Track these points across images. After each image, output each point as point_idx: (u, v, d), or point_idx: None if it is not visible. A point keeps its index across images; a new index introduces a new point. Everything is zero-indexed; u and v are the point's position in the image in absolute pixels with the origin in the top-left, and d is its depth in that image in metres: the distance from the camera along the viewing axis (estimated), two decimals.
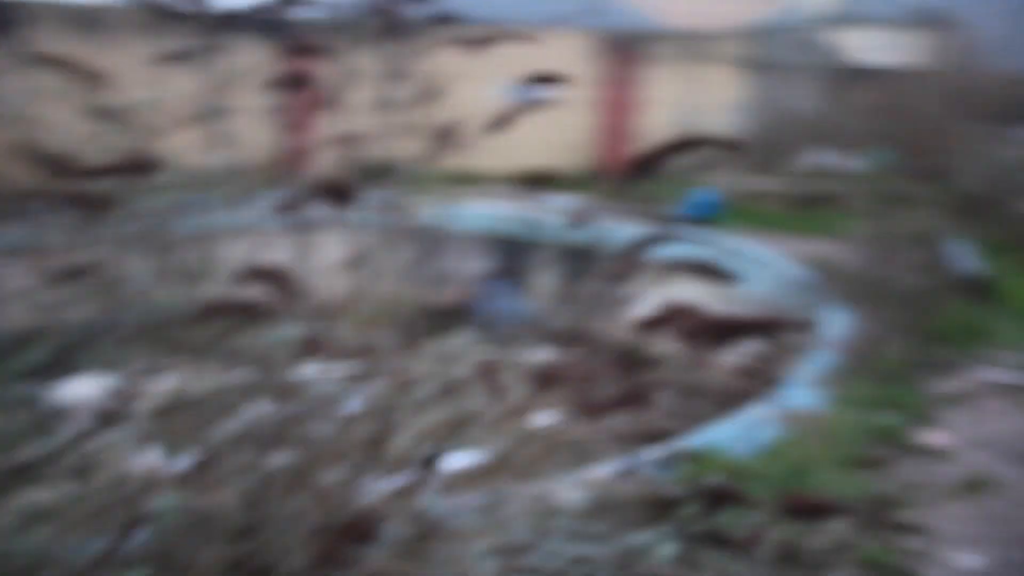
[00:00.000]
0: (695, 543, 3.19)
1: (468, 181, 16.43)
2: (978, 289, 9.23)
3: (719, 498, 2.95)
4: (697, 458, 4.85)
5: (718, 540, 3.18)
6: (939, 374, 6.95)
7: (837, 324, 7.90)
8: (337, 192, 2.98)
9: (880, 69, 18.61)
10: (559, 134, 17.18)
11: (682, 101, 17.08)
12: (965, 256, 9.66)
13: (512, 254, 14.50)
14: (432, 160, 3.40)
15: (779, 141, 16.55)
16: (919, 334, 7.62)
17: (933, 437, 5.78)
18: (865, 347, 7.29)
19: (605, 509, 3.71)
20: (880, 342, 7.45)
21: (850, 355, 6.98)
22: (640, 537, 3.32)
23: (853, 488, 4.81)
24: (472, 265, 14.66)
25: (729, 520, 3.06)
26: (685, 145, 2.77)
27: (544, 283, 14.16)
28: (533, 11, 26.51)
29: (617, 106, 16.95)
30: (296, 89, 3.48)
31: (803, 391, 6.17)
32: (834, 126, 16.94)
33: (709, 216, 12.93)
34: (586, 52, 16.95)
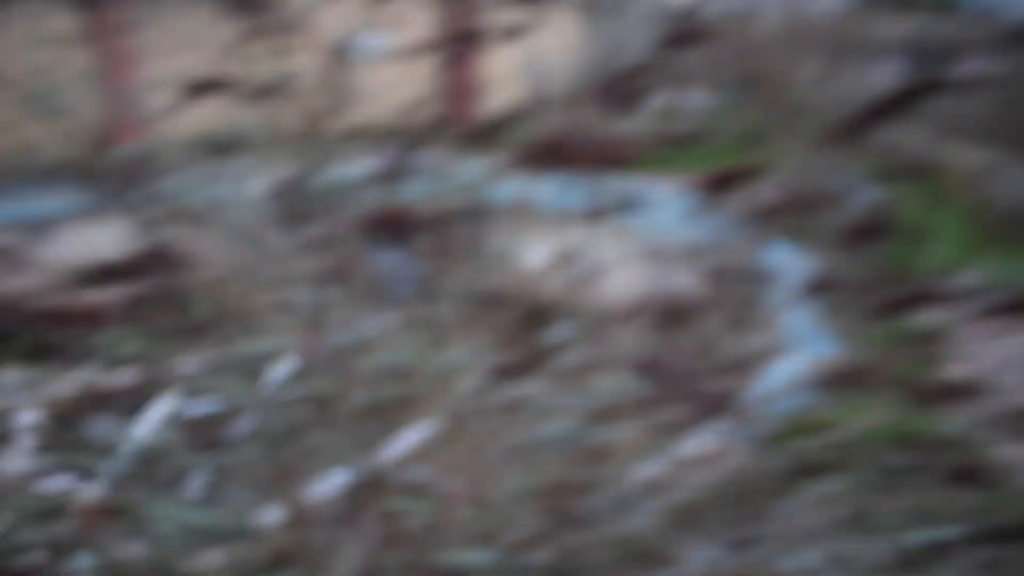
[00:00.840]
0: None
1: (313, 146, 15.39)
2: (881, 223, 9.51)
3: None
4: (793, 424, 4.56)
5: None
6: (910, 308, 7.03)
7: (792, 266, 7.86)
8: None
9: (713, 10, 19.01)
10: (402, 88, 16.39)
11: (524, 46, 16.69)
12: (858, 190, 9.94)
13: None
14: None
15: (623, 84, 16.56)
16: (865, 271, 7.69)
17: (957, 369, 5.80)
18: (829, 287, 7.27)
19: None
20: (837, 282, 7.46)
21: (828, 297, 6.92)
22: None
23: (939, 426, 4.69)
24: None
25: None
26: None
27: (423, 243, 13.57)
28: None
29: (459, 54, 16.31)
30: None
31: (820, 338, 6.03)
32: (675, 67, 17.17)
33: None
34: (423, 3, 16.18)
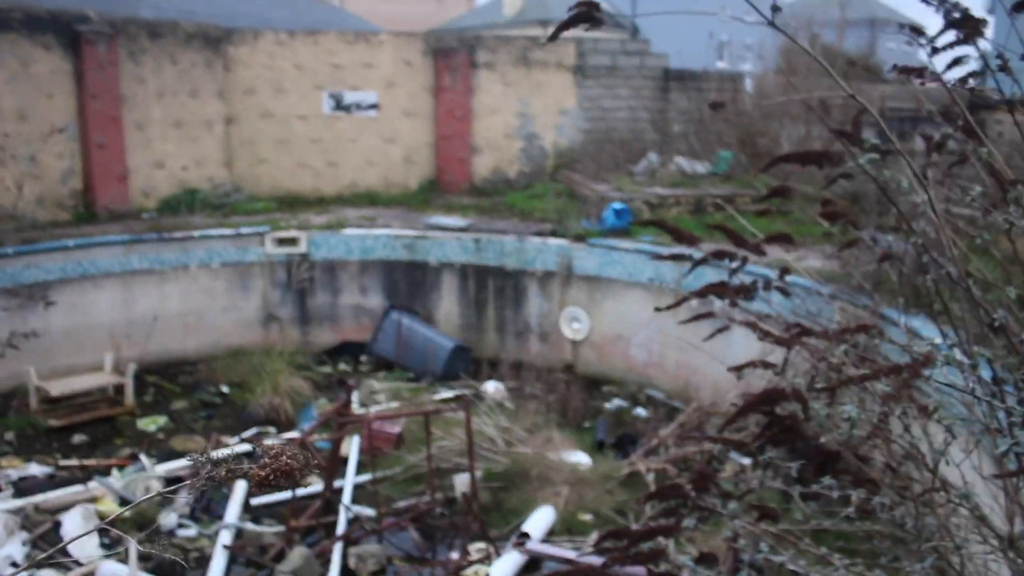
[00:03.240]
0: None
1: (303, 204, 15.03)
2: None
3: None
4: None
5: None
6: None
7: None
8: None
9: (697, 73, 18.84)
10: (391, 146, 16.07)
11: (517, 109, 16.44)
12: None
13: (403, 279, 13.38)
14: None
15: (618, 148, 16.26)
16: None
17: None
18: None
19: None
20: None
21: None
22: None
23: None
24: (365, 295, 13.47)
25: None
26: None
27: (447, 308, 13.16)
28: (248, 11, 25.14)
29: (452, 115, 16.05)
30: None
31: None
32: (670, 130, 16.88)
33: (623, 226, 12.30)
34: (413, 58, 15.96)
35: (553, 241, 12.59)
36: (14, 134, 12.37)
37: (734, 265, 3.69)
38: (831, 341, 2.91)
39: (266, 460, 1.50)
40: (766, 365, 3.40)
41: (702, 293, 4.03)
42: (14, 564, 7.04)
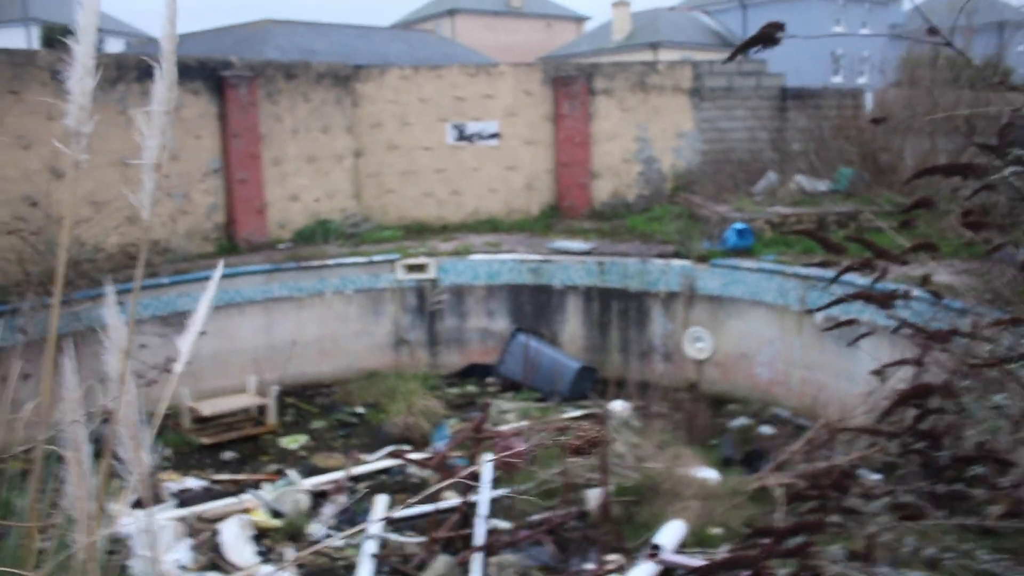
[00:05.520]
0: None
1: (429, 232, 15.61)
2: None
3: None
4: None
5: None
6: None
7: None
8: None
9: (815, 91, 18.70)
10: (512, 174, 16.50)
11: (634, 133, 16.68)
12: None
13: (529, 302, 13.75)
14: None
15: (736, 168, 16.29)
16: None
17: None
18: None
19: None
20: None
21: None
22: None
23: None
24: (491, 318, 13.91)
25: None
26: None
27: (571, 330, 13.48)
28: (367, 48, 25.85)
29: (571, 141, 16.40)
30: None
31: None
32: (788, 149, 16.80)
33: (745, 246, 12.40)
34: (532, 87, 16.39)
35: (676, 262, 12.74)
36: (169, 173, 13.30)
37: (875, 274, 3.84)
38: (978, 338, 3.03)
39: (579, 433, 1.84)
40: (917, 363, 3.53)
41: (853, 298, 4.20)
42: (182, 567, 7.61)
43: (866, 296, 4.18)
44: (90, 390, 2.30)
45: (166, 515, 8.54)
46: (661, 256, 12.99)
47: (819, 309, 4.59)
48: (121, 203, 13.10)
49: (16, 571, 2.37)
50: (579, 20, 58.59)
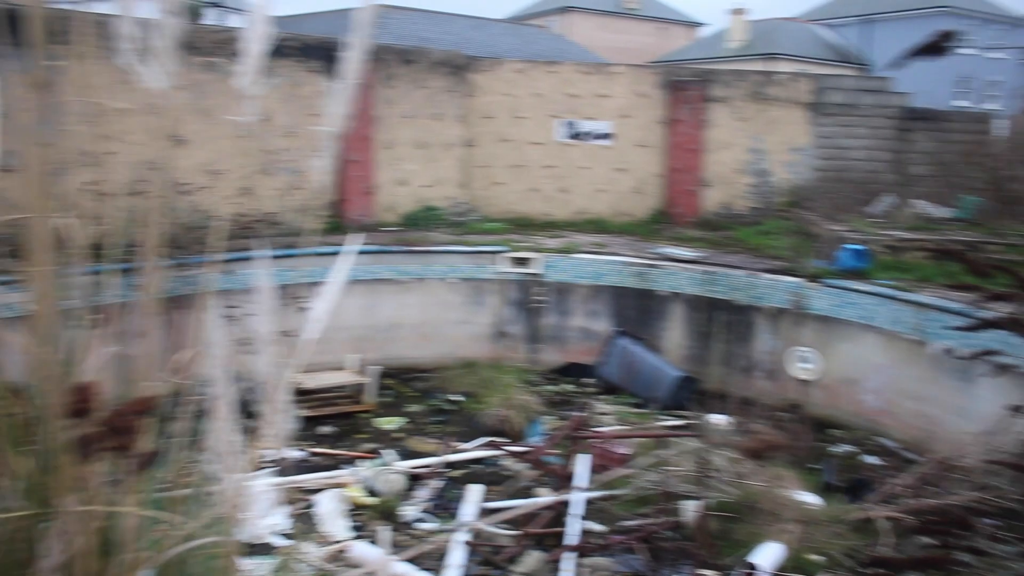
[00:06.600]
0: None
1: (533, 227, 15.57)
2: None
3: None
4: None
5: None
6: None
7: None
8: None
9: (941, 112, 18.07)
10: (622, 176, 16.35)
11: (748, 144, 16.37)
12: None
13: (632, 306, 13.65)
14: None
15: (852, 187, 15.85)
16: None
17: None
18: None
19: None
20: None
21: None
22: None
23: None
24: (593, 318, 13.85)
25: None
26: None
27: (673, 338, 13.32)
28: (481, 39, 25.71)
29: (684, 148, 16.18)
30: None
31: None
32: (908, 171, 16.28)
33: (859, 267, 12.07)
34: (647, 90, 16.21)
35: (785, 278, 12.43)
36: (283, 149, 13.54)
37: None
38: None
39: (761, 436, 1.75)
40: None
41: (1000, 325, 3.97)
42: (278, 533, 7.71)
43: (1017, 324, 3.97)
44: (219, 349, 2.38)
45: (265, 481, 8.67)
46: (770, 271, 12.69)
47: (963, 329, 4.36)
48: (235, 174, 13.39)
49: (163, 512, 2.43)
50: (693, 25, 57.96)
